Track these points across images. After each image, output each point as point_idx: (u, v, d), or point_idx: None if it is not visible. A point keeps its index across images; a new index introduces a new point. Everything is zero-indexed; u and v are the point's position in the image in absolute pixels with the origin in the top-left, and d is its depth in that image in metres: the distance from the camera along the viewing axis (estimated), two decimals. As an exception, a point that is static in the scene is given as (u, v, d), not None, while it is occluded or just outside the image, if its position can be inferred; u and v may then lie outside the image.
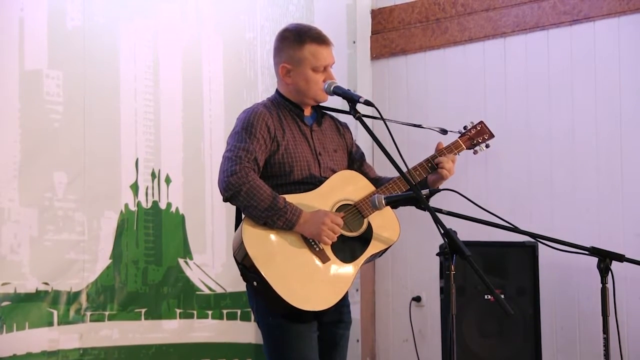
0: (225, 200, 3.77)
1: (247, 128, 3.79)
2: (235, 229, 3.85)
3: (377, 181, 4.00)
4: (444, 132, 4.06)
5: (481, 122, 4.13)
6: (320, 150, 3.93)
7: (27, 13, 4.87)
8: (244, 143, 3.76)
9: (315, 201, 3.79)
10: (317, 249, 3.74)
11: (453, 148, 4.02)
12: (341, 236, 3.78)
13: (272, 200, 3.67)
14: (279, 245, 3.72)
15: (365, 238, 3.84)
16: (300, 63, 3.88)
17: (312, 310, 3.71)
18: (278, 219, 3.68)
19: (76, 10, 5.05)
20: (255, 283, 3.71)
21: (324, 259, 3.74)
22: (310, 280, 3.71)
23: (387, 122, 3.74)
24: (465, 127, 4.09)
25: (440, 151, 3.99)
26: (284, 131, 3.86)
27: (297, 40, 3.91)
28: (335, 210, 3.81)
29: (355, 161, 4.08)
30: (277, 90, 4.00)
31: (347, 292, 3.92)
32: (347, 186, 3.88)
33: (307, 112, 3.98)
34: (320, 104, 4.01)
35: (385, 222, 3.88)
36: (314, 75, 3.88)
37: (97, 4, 5.14)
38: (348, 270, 3.79)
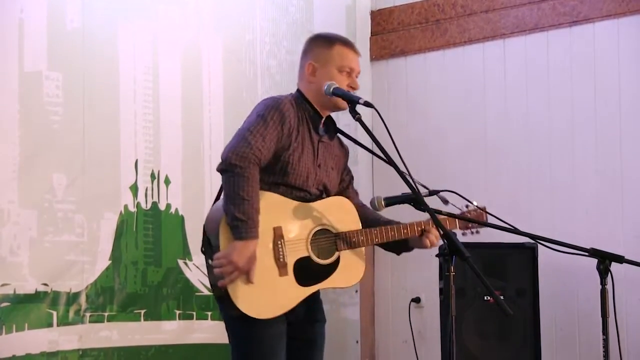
0: (217, 170, 3.73)
1: (271, 115, 3.76)
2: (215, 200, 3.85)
3: (361, 208, 3.99)
4: (445, 202, 3.92)
5: (484, 209, 4.07)
6: (321, 163, 3.91)
7: (27, 14, 4.86)
8: (263, 129, 3.72)
9: (301, 216, 3.79)
10: (282, 260, 3.73)
11: (446, 223, 3.95)
12: (308, 259, 3.76)
13: (246, 202, 3.63)
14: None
15: (328, 270, 3.82)
16: (327, 62, 3.91)
17: (244, 312, 3.66)
18: (232, 220, 3.63)
19: (75, 12, 5.05)
20: (210, 261, 3.71)
21: (283, 272, 3.73)
22: (260, 286, 3.68)
23: (386, 124, 3.74)
24: (467, 206, 4.04)
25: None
26: (299, 133, 3.84)
27: (327, 41, 3.97)
28: (314, 234, 3.79)
29: (343, 181, 4.07)
30: (298, 90, 3.98)
31: (318, 291, 3.89)
32: (337, 213, 3.88)
33: (321, 123, 3.96)
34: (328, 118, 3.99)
35: (353, 263, 3.87)
36: (338, 75, 3.89)
37: (97, 5, 5.14)
38: (298, 292, 3.77)
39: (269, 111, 3.78)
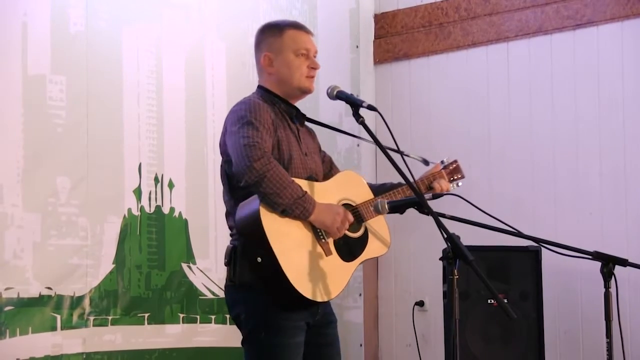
0: (246, 185, 3.65)
1: (255, 118, 3.72)
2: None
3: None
4: (425, 162, 4.15)
5: (456, 161, 4.25)
6: (306, 151, 3.93)
7: (30, 18, 4.86)
8: (257, 132, 3.69)
9: (322, 194, 3.79)
10: (323, 241, 3.73)
11: (438, 176, 4.17)
12: (343, 235, 3.78)
13: (292, 187, 3.63)
14: (291, 227, 3.69)
15: (363, 241, 3.86)
16: (281, 50, 3.89)
17: (312, 299, 3.65)
18: (296, 208, 3.63)
19: (79, 15, 5.05)
20: (259, 259, 3.66)
21: (327, 252, 3.74)
22: (315, 270, 3.69)
23: (389, 128, 3.74)
24: (442, 162, 4.21)
25: (436, 174, 4.16)
26: (280, 127, 3.84)
27: (277, 28, 3.96)
28: None
29: (325, 163, 4.08)
30: (260, 87, 3.96)
31: None
32: (350, 187, 3.91)
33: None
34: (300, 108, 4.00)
35: (379, 231, 3.92)
36: (296, 60, 3.88)
37: (100, 8, 5.14)
38: (347, 268, 3.80)
39: (251, 115, 3.73)
